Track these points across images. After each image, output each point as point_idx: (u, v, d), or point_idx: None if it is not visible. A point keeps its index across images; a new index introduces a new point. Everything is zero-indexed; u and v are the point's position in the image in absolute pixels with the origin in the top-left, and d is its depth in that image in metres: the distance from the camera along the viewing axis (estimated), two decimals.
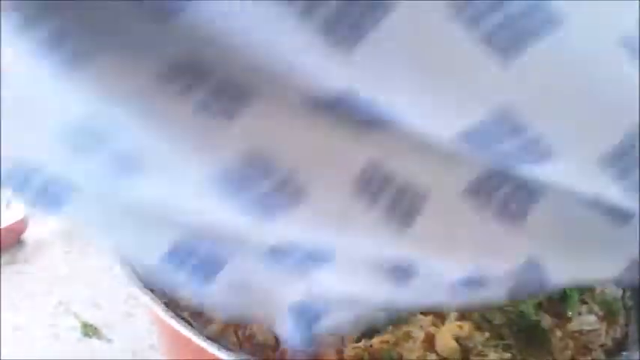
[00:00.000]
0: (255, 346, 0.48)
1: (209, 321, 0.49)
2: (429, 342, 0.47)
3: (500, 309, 0.49)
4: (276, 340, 0.49)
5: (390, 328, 0.48)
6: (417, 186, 0.24)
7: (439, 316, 0.49)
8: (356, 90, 0.22)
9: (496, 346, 0.47)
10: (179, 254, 0.25)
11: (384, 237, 0.24)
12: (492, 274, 0.26)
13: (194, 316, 0.43)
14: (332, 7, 0.19)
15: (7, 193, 0.69)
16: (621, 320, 0.50)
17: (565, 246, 0.27)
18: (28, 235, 0.68)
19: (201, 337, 0.33)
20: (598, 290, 0.51)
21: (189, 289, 0.26)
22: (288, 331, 0.28)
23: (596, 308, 0.50)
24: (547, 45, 0.20)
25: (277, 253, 0.25)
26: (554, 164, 0.23)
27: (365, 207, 0.24)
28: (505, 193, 0.25)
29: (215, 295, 0.26)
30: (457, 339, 0.47)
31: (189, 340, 0.36)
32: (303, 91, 0.22)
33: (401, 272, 0.25)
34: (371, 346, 0.47)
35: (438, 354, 0.47)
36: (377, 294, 0.26)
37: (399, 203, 0.24)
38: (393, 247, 0.24)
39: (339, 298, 0.27)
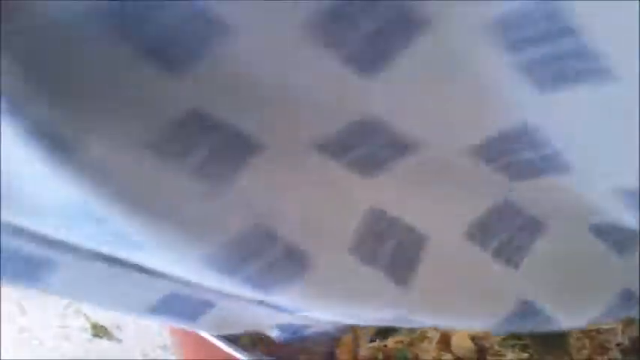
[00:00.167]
0: (268, 347, 0.48)
1: None
2: (445, 342, 0.47)
3: None
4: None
5: (405, 328, 0.47)
6: (418, 231, 0.24)
7: None
8: (377, 115, 0.21)
9: (513, 346, 0.46)
10: (167, 304, 0.25)
11: (387, 297, 0.23)
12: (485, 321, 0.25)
13: None
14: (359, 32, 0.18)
15: None
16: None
17: (564, 280, 0.26)
18: None
19: (216, 336, 0.32)
20: None
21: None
22: (276, 337, 0.30)
23: None
24: (587, 89, 0.19)
25: (267, 304, 0.25)
26: (572, 176, 0.22)
27: (367, 264, 0.23)
28: (507, 235, 0.24)
29: (201, 327, 0.27)
30: (473, 339, 0.47)
31: (202, 340, 0.35)
32: (314, 129, 0.21)
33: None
34: (385, 346, 0.47)
35: (453, 354, 0.46)
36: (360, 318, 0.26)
37: (400, 254, 0.24)
38: (393, 307, 0.24)
39: (324, 321, 0.27)
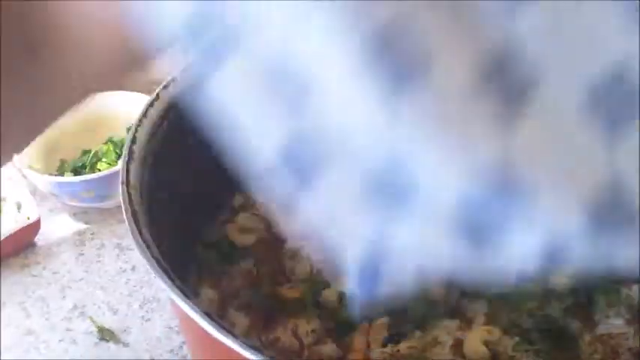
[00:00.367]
0: (279, 351, 0.48)
1: (232, 325, 0.49)
2: (458, 347, 0.47)
3: (529, 312, 0.48)
4: (301, 344, 0.48)
5: (418, 333, 0.47)
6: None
7: (466, 320, 0.49)
8: None
9: (527, 351, 0.46)
10: (290, 151, 0.24)
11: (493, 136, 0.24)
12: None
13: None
14: None
15: (17, 196, 0.68)
16: None
17: None
18: (41, 238, 0.68)
19: (231, 337, 0.32)
20: (624, 294, 0.51)
21: (283, 194, 0.25)
22: (350, 284, 0.26)
23: (623, 311, 0.50)
24: None
25: (371, 187, 0.24)
26: None
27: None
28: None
29: (302, 211, 0.25)
30: (486, 344, 0.46)
31: (216, 341, 0.34)
32: None
33: (479, 233, 0.24)
34: (398, 351, 0.46)
35: (467, 359, 0.46)
36: (447, 254, 0.25)
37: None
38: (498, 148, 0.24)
39: (407, 254, 0.25)
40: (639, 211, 0.25)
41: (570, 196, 0.24)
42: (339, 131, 0.24)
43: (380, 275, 0.26)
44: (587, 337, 0.49)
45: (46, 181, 0.67)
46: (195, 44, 0.25)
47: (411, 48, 0.23)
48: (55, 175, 0.70)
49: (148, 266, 0.35)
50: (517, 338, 0.47)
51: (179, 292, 0.32)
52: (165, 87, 0.48)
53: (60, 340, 0.59)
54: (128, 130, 0.73)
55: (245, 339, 0.31)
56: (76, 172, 0.71)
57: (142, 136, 0.44)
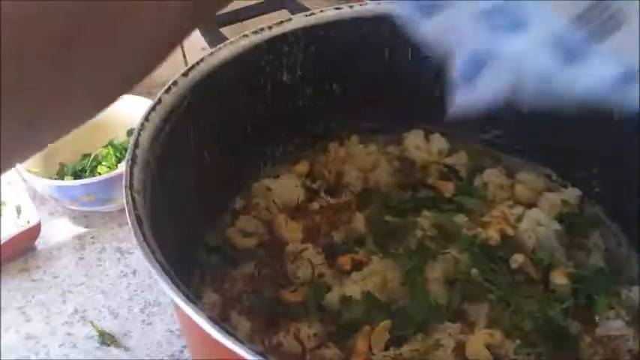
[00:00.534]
0: (281, 355, 0.48)
1: (234, 329, 0.49)
2: (460, 350, 0.47)
3: (530, 315, 0.49)
4: (303, 348, 0.48)
5: (420, 336, 0.47)
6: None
7: (468, 324, 0.49)
8: None
9: (528, 354, 0.46)
10: None
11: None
12: None
13: None
14: None
15: (17, 199, 0.68)
16: None
17: None
18: (41, 242, 0.67)
19: (236, 342, 0.32)
20: (625, 295, 0.51)
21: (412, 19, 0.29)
22: (455, 75, 0.31)
23: (623, 313, 0.50)
24: None
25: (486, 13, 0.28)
26: None
27: None
28: None
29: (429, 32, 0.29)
30: (488, 347, 0.47)
31: (220, 346, 0.34)
32: None
33: (573, 53, 0.28)
34: (400, 354, 0.47)
35: None
36: (538, 69, 0.29)
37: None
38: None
39: (505, 65, 0.29)
40: None
41: None
42: None
43: (478, 77, 0.30)
44: (587, 339, 0.49)
45: (45, 185, 0.67)
46: None
47: None
48: (55, 179, 0.70)
49: (151, 270, 0.35)
50: (518, 341, 0.47)
51: (184, 297, 0.32)
52: (166, 91, 0.48)
53: (60, 345, 0.58)
54: (128, 133, 0.74)
55: (250, 344, 0.31)
56: (76, 175, 0.71)
57: (145, 139, 0.44)
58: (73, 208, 0.70)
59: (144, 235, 0.37)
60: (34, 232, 0.66)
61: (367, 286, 0.50)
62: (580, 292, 0.52)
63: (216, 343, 0.32)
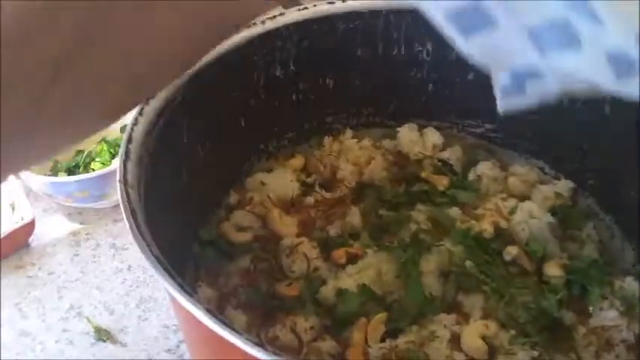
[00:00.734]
0: (278, 349, 0.48)
1: (230, 322, 0.49)
2: (455, 342, 0.47)
3: (524, 306, 0.49)
4: (300, 341, 0.48)
5: (415, 328, 0.48)
6: None
7: (463, 315, 0.49)
8: None
9: (523, 345, 0.46)
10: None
11: None
12: None
13: None
14: None
15: (11, 196, 0.68)
16: None
17: None
18: (35, 239, 0.67)
19: (235, 334, 0.32)
20: (618, 285, 0.52)
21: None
22: (499, 85, 0.32)
23: (617, 303, 0.51)
24: None
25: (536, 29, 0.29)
26: None
27: None
28: None
29: (471, 52, 0.30)
30: (483, 338, 0.47)
31: (218, 339, 0.34)
32: None
33: (627, 67, 0.28)
34: (396, 346, 0.47)
35: (465, 353, 0.47)
36: (598, 79, 0.29)
37: None
38: None
39: (560, 77, 0.30)
40: None
41: None
42: None
43: (525, 86, 0.32)
44: (581, 330, 0.49)
45: (39, 182, 0.67)
46: None
47: None
48: (49, 176, 0.69)
49: (147, 265, 0.35)
50: (513, 332, 0.47)
51: (181, 290, 0.32)
52: None
53: (56, 341, 0.58)
54: (122, 129, 0.74)
55: (249, 335, 0.31)
56: (70, 172, 0.71)
57: (139, 134, 0.44)
58: (67, 204, 0.70)
59: (139, 228, 0.37)
60: (29, 228, 0.66)
61: (362, 279, 0.50)
62: (574, 283, 0.52)
63: (214, 335, 0.32)
